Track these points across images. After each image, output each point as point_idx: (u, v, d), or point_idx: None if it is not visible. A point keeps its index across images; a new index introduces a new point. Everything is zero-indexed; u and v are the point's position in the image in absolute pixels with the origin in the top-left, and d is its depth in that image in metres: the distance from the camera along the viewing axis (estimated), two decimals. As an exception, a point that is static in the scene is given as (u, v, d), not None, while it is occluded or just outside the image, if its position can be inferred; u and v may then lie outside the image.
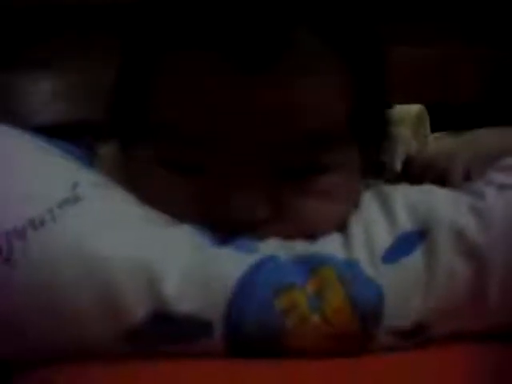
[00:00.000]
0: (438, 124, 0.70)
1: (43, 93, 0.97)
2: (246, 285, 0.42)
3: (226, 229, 0.45)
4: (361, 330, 0.42)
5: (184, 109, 0.45)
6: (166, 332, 0.41)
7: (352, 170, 0.49)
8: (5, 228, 0.40)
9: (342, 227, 0.47)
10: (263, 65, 0.44)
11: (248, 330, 0.41)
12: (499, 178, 0.48)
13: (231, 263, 0.43)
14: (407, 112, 0.63)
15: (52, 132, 0.52)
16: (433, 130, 0.70)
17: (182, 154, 0.46)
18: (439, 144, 0.63)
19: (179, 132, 0.46)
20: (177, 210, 0.46)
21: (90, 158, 0.52)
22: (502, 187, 0.47)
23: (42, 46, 0.96)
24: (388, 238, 0.45)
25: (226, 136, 0.45)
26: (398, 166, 0.59)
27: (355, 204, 0.49)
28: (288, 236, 0.46)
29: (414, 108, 0.63)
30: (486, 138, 0.63)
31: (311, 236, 0.46)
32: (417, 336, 0.44)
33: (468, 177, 0.53)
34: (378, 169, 0.56)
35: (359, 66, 0.49)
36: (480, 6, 1.03)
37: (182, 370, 0.41)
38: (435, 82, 0.96)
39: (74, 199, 0.43)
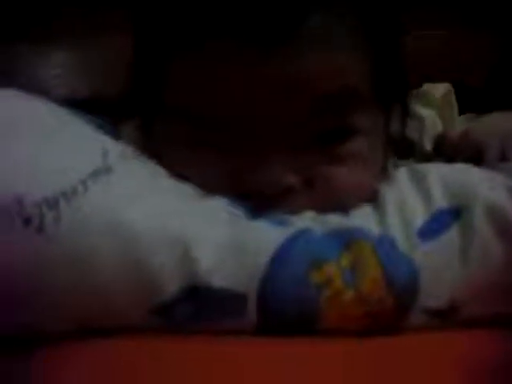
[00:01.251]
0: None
1: (55, 67, 0.97)
2: (280, 258, 0.41)
3: (256, 201, 0.45)
4: (395, 306, 0.42)
5: (208, 90, 0.46)
6: (199, 307, 0.40)
7: (377, 134, 0.50)
8: (36, 198, 0.39)
9: (371, 197, 0.47)
10: (280, 37, 0.44)
11: (282, 304, 0.41)
12: None
13: (265, 237, 0.42)
14: (435, 91, 0.62)
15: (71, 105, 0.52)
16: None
17: (210, 132, 0.46)
18: (467, 125, 0.62)
19: (207, 112, 0.46)
20: (207, 184, 0.45)
21: (114, 131, 0.52)
22: None
23: (56, 21, 0.95)
24: (423, 215, 0.44)
25: (252, 110, 0.45)
26: (428, 146, 0.59)
27: (383, 176, 0.48)
28: (319, 205, 0.46)
29: (442, 87, 0.62)
30: (509, 118, 0.63)
31: (343, 207, 0.46)
32: (451, 315, 0.43)
33: (503, 155, 0.52)
34: (407, 150, 0.55)
35: (376, 29, 0.49)
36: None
37: (209, 348, 0.40)
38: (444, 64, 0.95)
39: (106, 170, 0.42)
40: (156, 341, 0.40)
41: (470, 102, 0.69)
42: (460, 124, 0.64)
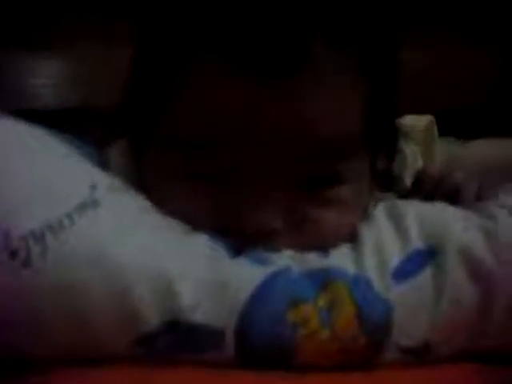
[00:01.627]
0: (444, 129, 0.70)
1: (46, 76, 0.97)
2: (259, 297, 0.42)
3: (241, 239, 0.45)
4: (368, 344, 0.43)
5: (207, 118, 0.46)
6: (180, 340, 0.41)
7: (364, 180, 0.50)
8: (22, 231, 0.40)
9: (352, 236, 0.48)
10: (280, 77, 0.44)
11: (259, 342, 0.42)
12: (511, 201, 0.49)
13: (246, 274, 0.43)
14: (416, 124, 0.63)
15: (57, 115, 0.52)
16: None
17: (204, 164, 0.47)
18: (450, 155, 0.63)
19: (202, 140, 0.46)
20: (192, 218, 0.46)
21: (101, 157, 0.52)
22: None
23: (50, 30, 0.95)
24: (399, 255, 0.45)
25: (243, 148, 0.46)
26: (408, 180, 0.60)
27: (364, 212, 0.49)
28: (301, 246, 0.47)
29: (424, 120, 0.64)
30: (493, 149, 0.64)
31: (323, 247, 0.47)
32: (424, 354, 0.44)
33: (479, 194, 0.54)
34: (388, 182, 0.57)
35: (373, 76, 0.49)
36: (485, 8, 1.04)
37: (191, 377, 0.41)
38: (441, 86, 0.96)
39: (92, 203, 0.43)
40: (139, 369, 0.41)
41: (470, 120, 0.71)
42: (441, 153, 0.66)
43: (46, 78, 0.95)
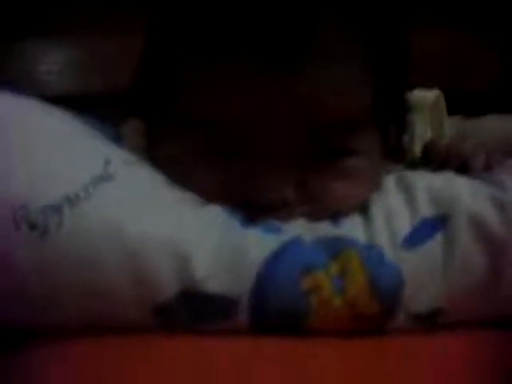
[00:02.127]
0: (452, 110, 0.71)
1: (63, 62, 0.98)
2: (271, 265, 0.43)
3: (254, 210, 0.47)
4: (380, 311, 0.44)
5: (219, 101, 0.47)
6: (195, 310, 0.42)
7: (374, 153, 0.51)
8: (40, 203, 0.41)
9: (363, 206, 0.48)
10: (290, 61, 0.46)
11: (273, 310, 0.43)
12: None
13: (258, 244, 0.44)
14: (424, 98, 0.64)
15: (69, 102, 0.53)
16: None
17: (215, 142, 0.48)
18: (458, 129, 0.64)
19: (214, 120, 0.47)
20: (207, 192, 0.47)
21: (115, 134, 0.53)
22: None
23: (55, 18, 0.96)
24: (409, 224, 0.46)
25: (257, 124, 0.47)
26: (418, 151, 0.61)
27: (376, 186, 0.50)
28: (312, 215, 0.48)
29: (431, 94, 0.64)
30: (502, 123, 0.64)
31: (334, 216, 0.48)
32: (434, 320, 0.45)
33: (489, 163, 0.54)
34: (398, 154, 0.57)
35: (382, 55, 0.50)
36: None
37: (203, 345, 0.43)
38: (448, 67, 0.97)
39: (107, 177, 0.44)
40: (153, 339, 0.42)
41: (471, 106, 0.71)
42: (450, 126, 0.66)
43: (50, 64, 0.96)
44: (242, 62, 0.46)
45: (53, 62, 0.95)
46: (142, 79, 0.54)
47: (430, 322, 0.45)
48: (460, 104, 0.68)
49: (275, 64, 0.46)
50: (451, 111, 0.69)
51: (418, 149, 0.60)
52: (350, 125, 0.49)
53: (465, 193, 0.48)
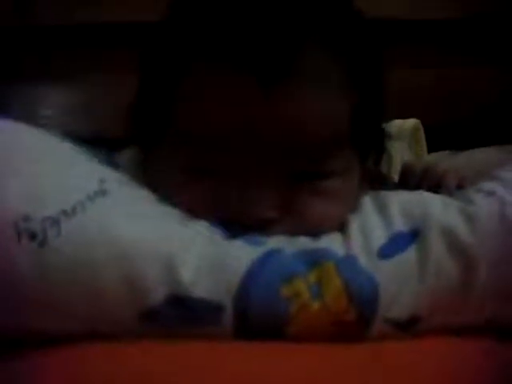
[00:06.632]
0: (439, 144, 0.73)
1: (59, 105, 1.01)
2: (254, 273, 0.46)
3: (238, 227, 0.50)
4: (357, 317, 0.46)
5: (206, 117, 0.50)
6: (181, 314, 0.45)
7: (353, 176, 0.54)
8: (40, 215, 0.45)
9: (341, 227, 0.51)
10: (276, 79, 0.49)
11: (255, 315, 0.45)
12: (488, 185, 0.53)
13: (242, 253, 0.47)
14: (403, 126, 0.67)
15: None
16: (434, 150, 0.74)
17: (203, 158, 0.51)
18: (435, 157, 0.67)
19: (202, 136, 0.51)
20: (194, 209, 0.51)
21: (111, 162, 0.57)
22: (489, 194, 0.51)
23: (53, 61, 1.00)
24: (383, 236, 0.49)
25: (244, 139, 0.50)
26: (395, 177, 0.64)
27: (354, 207, 0.53)
28: (293, 233, 0.51)
29: (410, 122, 0.68)
30: (480, 154, 0.68)
31: (314, 233, 0.51)
32: (411, 327, 0.48)
33: (461, 184, 0.57)
34: (376, 179, 0.60)
35: (362, 80, 0.54)
36: (480, 28, 1.08)
37: (189, 349, 0.45)
38: (435, 102, 1.00)
39: (102, 193, 0.48)
40: (140, 343, 0.45)
41: (462, 137, 0.74)
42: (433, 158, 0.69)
43: (52, 108, 1.00)
44: (232, 80, 0.49)
45: (47, 105, 0.98)
46: (138, 107, 0.58)
47: (409, 329, 0.48)
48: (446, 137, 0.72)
49: (262, 77, 0.48)
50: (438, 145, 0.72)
51: (395, 173, 0.63)
52: (327, 147, 0.51)
53: (436, 207, 0.51)
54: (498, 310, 0.48)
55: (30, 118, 0.97)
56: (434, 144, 0.75)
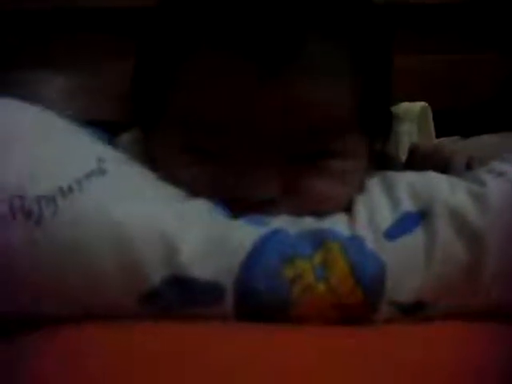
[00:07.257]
0: (448, 129, 0.72)
1: (53, 92, 1.00)
2: (256, 253, 0.45)
3: (240, 207, 0.48)
4: (363, 300, 0.45)
5: (208, 102, 0.49)
6: (181, 295, 0.44)
7: (359, 157, 0.53)
8: (36, 193, 0.44)
9: (347, 208, 0.50)
10: (279, 66, 0.48)
11: (257, 296, 0.44)
12: (500, 166, 0.51)
13: (244, 233, 0.46)
14: (411, 108, 0.66)
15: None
16: (443, 135, 0.73)
17: (204, 141, 0.50)
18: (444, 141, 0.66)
19: (202, 121, 0.50)
20: (195, 188, 0.49)
21: (110, 141, 0.56)
22: (501, 174, 0.50)
23: (52, 47, 0.99)
24: (390, 217, 0.48)
25: (244, 125, 0.49)
26: (403, 158, 0.62)
27: (361, 187, 0.52)
28: (297, 213, 0.49)
29: (418, 104, 0.66)
30: (490, 138, 0.66)
31: (319, 215, 0.49)
32: (417, 311, 0.46)
33: (470, 164, 0.56)
34: (384, 161, 0.59)
35: (367, 64, 0.53)
36: (486, 13, 1.07)
37: (187, 330, 0.43)
38: (444, 87, 0.98)
39: (100, 171, 0.46)
40: (138, 325, 0.43)
41: (472, 123, 0.73)
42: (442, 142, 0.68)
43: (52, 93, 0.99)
44: (234, 66, 0.48)
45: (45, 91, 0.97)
46: (137, 84, 0.57)
47: (415, 313, 0.46)
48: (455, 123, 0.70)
49: (265, 63, 0.48)
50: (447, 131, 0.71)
51: (402, 154, 0.62)
52: (334, 129, 0.51)
53: (444, 188, 0.49)
54: (506, 293, 0.47)
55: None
56: (439, 130, 0.74)
